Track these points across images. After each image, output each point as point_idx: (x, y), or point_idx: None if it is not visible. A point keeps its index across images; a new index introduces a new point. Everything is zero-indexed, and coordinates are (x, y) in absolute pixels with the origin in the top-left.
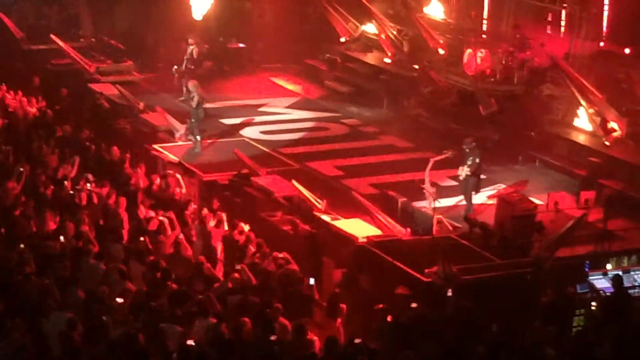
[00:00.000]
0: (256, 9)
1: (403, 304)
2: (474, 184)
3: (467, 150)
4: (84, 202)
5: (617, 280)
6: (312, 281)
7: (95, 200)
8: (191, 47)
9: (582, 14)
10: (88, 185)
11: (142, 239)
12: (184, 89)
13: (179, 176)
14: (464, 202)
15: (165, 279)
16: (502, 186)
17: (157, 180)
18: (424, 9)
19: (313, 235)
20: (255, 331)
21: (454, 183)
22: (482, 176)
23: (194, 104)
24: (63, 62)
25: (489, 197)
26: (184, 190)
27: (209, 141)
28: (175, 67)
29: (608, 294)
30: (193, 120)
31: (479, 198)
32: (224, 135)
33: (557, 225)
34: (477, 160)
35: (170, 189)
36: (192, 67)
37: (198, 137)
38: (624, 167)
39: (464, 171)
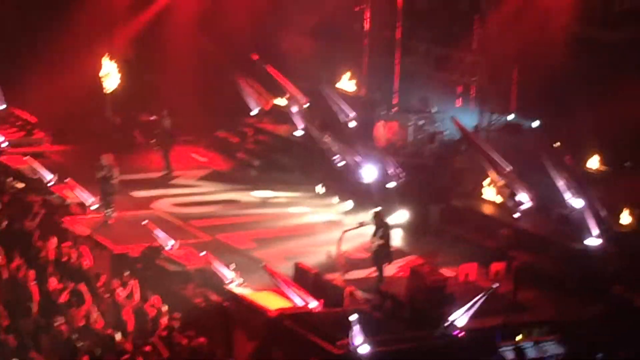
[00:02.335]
0: (166, 82)
1: None
2: (385, 256)
3: (378, 221)
4: None
5: (519, 353)
6: None
7: (5, 274)
8: (166, 119)
9: (491, 88)
10: None
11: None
12: (166, 161)
13: (84, 248)
14: (376, 274)
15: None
16: (413, 258)
17: (68, 253)
18: (336, 84)
19: (225, 308)
20: None
21: (366, 255)
22: (392, 248)
23: (105, 176)
24: None
25: (400, 268)
26: (90, 263)
27: (120, 214)
28: (154, 140)
29: None
30: (105, 193)
31: (390, 270)
32: (136, 208)
33: (468, 297)
34: (388, 233)
35: (81, 261)
36: (168, 139)
37: (110, 210)
38: (534, 239)
39: (375, 243)
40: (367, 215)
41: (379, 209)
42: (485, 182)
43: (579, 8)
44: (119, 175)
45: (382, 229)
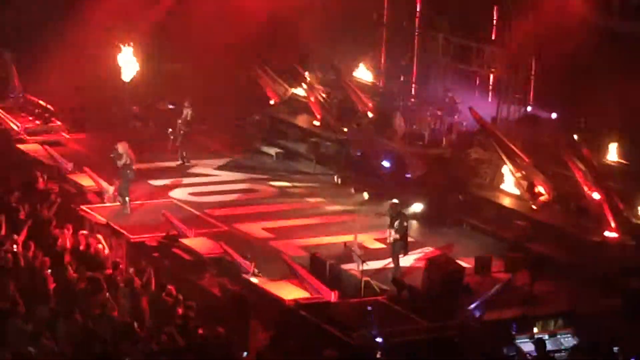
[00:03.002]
0: (185, 71)
1: None
2: (401, 247)
3: (394, 213)
4: (10, 264)
5: (539, 344)
6: (245, 354)
7: (22, 262)
8: (187, 110)
9: (510, 79)
10: (15, 247)
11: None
12: (180, 153)
13: (99, 237)
14: (392, 265)
15: (92, 340)
16: (429, 249)
17: (85, 241)
18: (354, 73)
19: (241, 298)
20: None
21: (382, 246)
22: (409, 239)
23: (121, 164)
24: None
25: (417, 259)
26: (107, 251)
27: (138, 202)
28: (170, 129)
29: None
30: (122, 181)
31: (407, 260)
32: (152, 196)
33: (485, 288)
34: (405, 224)
35: (97, 249)
36: (188, 129)
37: (127, 199)
38: (551, 231)
39: (391, 234)
40: (384, 206)
41: (395, 200)
42: (503, 174)
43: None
44: (135, 163)
45: (399, 220)
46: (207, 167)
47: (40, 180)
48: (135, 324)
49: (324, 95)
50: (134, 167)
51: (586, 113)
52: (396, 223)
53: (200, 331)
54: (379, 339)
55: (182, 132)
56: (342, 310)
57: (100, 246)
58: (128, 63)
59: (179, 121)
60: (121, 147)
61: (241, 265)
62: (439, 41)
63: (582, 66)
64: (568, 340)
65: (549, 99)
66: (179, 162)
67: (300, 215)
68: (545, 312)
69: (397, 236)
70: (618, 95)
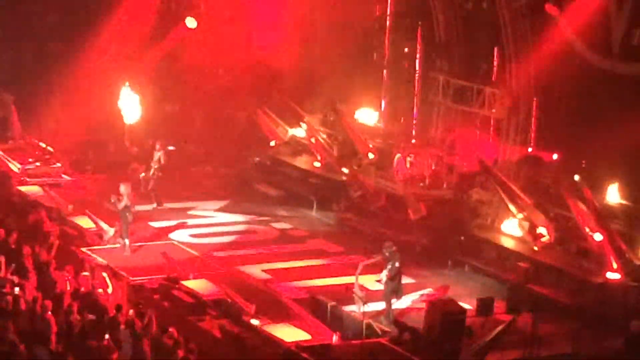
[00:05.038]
0: (186, 113)
1: None
2: (392, 289)
3: (387, 254)
4: (10, 307)
5: None
6: None
7: (22, 305)
8: (158, 153)
9: (511, 120)
10: (17, 289)
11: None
12: (154, 196)
13: (105, 274)
14: (396, 306)
15: None
16: (430, 290)
17: (85, 284)
18: (354, 114)
19: (241, 340)
20: None
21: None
22: (403, 280)
23: (122, 206)
24: None
25: (418, 300)
26: (110, 290)
27: (138, 244)
28: (143, 174)
29: None
30: (122, 223)
31: (408, 302)
32: (153, 238)
33: (486, 330)
34: (397, 265)
35: (98, 291)
36: (160, 173)
37: (127, 240)
38: (553, 272)
39: (384, 275)
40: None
41: (389, 242)
42: (505, 215)
43: (597, 41)
44: (134, 205)
45: (391, 261)
46: (208, 208)
47: (46, 221)
48: None
49: (324, 137)
50: (133, 209)
51: (587, 154)
52: (389, 264)
53: None
54: None
55: (155, 175)
56: (343, 353)
57: (100, 290)
58: (128, 104)
59: (152, 164)
60: (124, 188)
61: (242, 307)
62: (439, 82)
63: (583, 107)
64: None
65: (550, 139)
66: (154, 206)
67: (300, 257)
68: (547, 354)
69: (388, 277)
70: (619, 136)
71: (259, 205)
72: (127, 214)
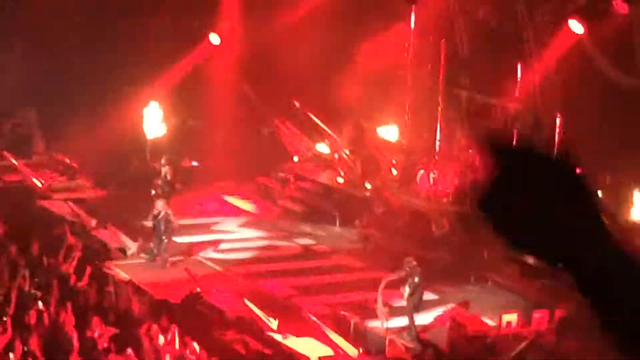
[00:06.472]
0: (208, 128)
1: None
2: (414, 304)
3: (407, 269)
4: (34, 321)
5: None
6: None
7: (45, 319)
8: (164, 168)
9: (534, 136)
10: (40, 303)
11: None
12: (156, 211)
13: (128, 289)
14: (418, 323)
15: None
16: (453, 306)
17: (109, 298)
18: (377, 130)
19: (264, 355)
20: None
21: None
22: (425, 296)
23: (165, 220)
24: (14, 179)
25: (441, 316)
26: (133, 305)
27: (166, 260)
28: (153, 191)
29: None
30: (158, 238)
31: (429, 318)
32: (176, 253)
33: (509, 347)
34: (416, 280)
35: (121, 306)
36: (168, 189)
37: (151, 256)
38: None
39: (405, 291)
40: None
41: (409, 258)
42: None
43: (621, 58)
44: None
45: (412, 276)
46: (231, 224)
47: (69, 235)
48: None
49: (347, 152)
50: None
51: (611, 170)
52: (409, 279)
53: None
54: None
55: (162, 192)
56: None
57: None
58: (152, 120)
59: (158, 181)
60: (162, 206)
61: (264, 323)
62: (462, 98)
63: (607, 123)
64: None
65: (574, 155)
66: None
67: (323, 273)
68: None
69: (410, 294)
70: None
71: (282, 220)
72: (167, 228)
